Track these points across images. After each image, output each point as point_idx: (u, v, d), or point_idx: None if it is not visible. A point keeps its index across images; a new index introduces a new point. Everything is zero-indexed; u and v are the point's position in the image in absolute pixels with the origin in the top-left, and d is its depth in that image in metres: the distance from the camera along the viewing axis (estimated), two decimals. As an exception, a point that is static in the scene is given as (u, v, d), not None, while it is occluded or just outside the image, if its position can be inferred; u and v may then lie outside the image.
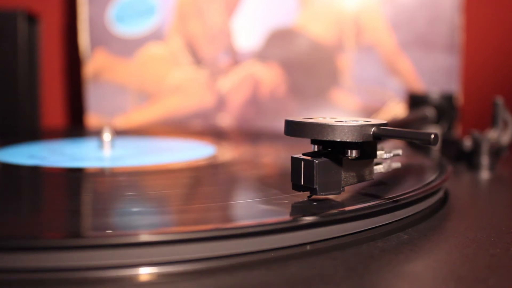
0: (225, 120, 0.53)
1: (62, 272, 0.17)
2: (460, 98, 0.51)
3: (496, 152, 0.37)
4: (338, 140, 0.21)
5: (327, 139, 0.21)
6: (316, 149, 0.23)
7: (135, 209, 0.22)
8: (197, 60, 0.54)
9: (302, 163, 0.22)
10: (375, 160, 0.23)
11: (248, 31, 0.53)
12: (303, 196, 0.23)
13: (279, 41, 0.53)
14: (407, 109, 0.48)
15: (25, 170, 0.31)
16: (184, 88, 0.54)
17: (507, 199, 0.31)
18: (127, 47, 0.54)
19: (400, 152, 0.24)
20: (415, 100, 0.46)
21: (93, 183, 0.29)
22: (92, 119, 0.54)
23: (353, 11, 0.52)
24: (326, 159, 0.22)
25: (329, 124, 0.21)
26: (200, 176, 0.31)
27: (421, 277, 0.18)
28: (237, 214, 0.22)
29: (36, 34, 0.52)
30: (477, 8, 0.56)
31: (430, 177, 0.28)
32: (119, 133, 0.42)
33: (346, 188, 0.23)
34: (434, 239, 0.22)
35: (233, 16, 0.53)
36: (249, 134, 0.50)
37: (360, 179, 0.23)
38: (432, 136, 0.20)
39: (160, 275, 0.18)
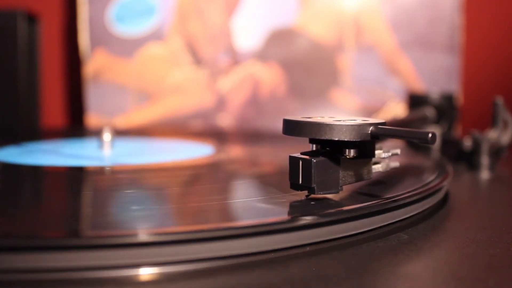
0: (225, 120, 0.53)
1: (61, 272, 0.17)
2: (460, 98, 0.51)
3: (496, 152, 0.37)
4: (336, 139, 0.21)
5: (325, 138, 0.21)
6: (314, 148, 0.23)
7: (134, 208, 0.22)
8: (197, 60, 0.54)
9: (300, 162, 0.22)
10: (374, 160, 0.23)
11: (248, 31, 0.53)
12: (302, 195, 0.23)
13: (279, 41, 0.53)
14: (407, 109, 0.48)
15: (25, 169, 0.31)
16: (184, 88, 0.54)
17: (507, 199, 0.31)
18: (127, 47, 0.54)
19: (398, 151, 0.24)
20: (415, 100, 0.46)
21: (93, 181, 0.29)
22: (92, 119, 0.54)
23: (353, 11, 0.52)
24: (324, 158, 0.22)
25: (327, 123, 0.21)
26: (200, 176, 0.31)
27: (421, 277, 0.18)
28: (236, 214, 0.22)
29: (36, 34, 0.52)
30: (477, 8, 0.56)
31: (430, 177, 0.28)
32: (119, 133, 0.42)
33: (344, 187, 0.23)
34: (434, 239, 0.22)
35: (233, 16, 0.53)
36: (249, 134, 0.50)
37: (359, 178, 0.23)
38: (430, 135, 0.20)
39: (160, 275, 0.18)
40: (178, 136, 0.47)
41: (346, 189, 0.23)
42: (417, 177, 0.30)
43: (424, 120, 0.41)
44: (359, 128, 0.21)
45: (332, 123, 0.21)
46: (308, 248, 0.20)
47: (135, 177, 0.30)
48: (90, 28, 0.54)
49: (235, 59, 0.53)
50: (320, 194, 0.22)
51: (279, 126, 0.23)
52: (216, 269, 0.18)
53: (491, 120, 0.38)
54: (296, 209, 0.22)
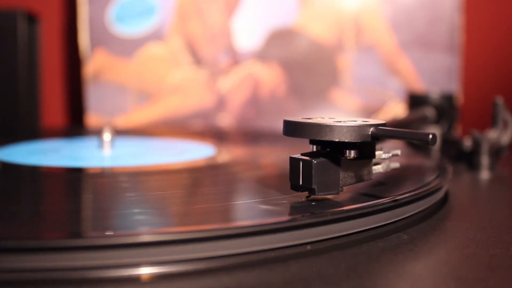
0: (225, 120, 0.53)
1: (62, 273, 0.17)
2: (460, 98, 0.51)
3: (496, 152, 0.37)
4: (337, 140, 0.21)
5: (326, 140, 0.21)
6: (314, 149, 0.23)
7: (135, 210, 0.22)
8: (197, 60, 0.54)
9: (301, 163, 0.22)
10: (374, 160, 0.23)
11: (248, 31, 0.53)
12: (302, 196, 0.23)
13: (279, 41, 0.53)
14: (407, 109, 0.48)
15: (25, 169, 0.31)
16: (184, 88, 0.54)
17: (507, 199, 0.31)
18: (127, 47, 0.54)
19: (399, 152, 0.24)
20: (415, 100, 0.46)
21: (93, 183, 0.29)
22: (92, 119, 0.54)
23: (353, 11, 0.52)
24: (325, 159, 0.22)
25: (327, 124, 0.21)
26: (200, 177, 0.31)
27: (421, 277, 0.18)
28: (237, 215, 0.22)
29: (36, 34, 0.52)
30: (477, 8, 0.56)
31: (430, 177, 0.28)
32: (119, 133, 0.42)
33: (345, 188, 0.23)
34: (434, 239, 0.22)
35: (233, 16, 0.53)
36: (249, 134, 0.50)
37: (359, 179, 0.23)
38: (430, 136, 0.20)
39: (160, 275, 0.18)
40: (178, 136, 0.47)
41: (347, 190, 0.23)
42: (417, 177, 0.30)
43: (424, 120, 0.41)
44: (360, 129, 0.21)
45: (332, 124, 0.21)
46: (309, 247, 0.20)
47: (136, 178, 0.30)
48: (90, 28, 0.54)
49: (235, 59, 0.53)
50: (320, 195, 0.22)
51: (279, 126, 0.24)
52: (216, 269, 0.18)
53: (491, 120, 0.38)
54: (296, 210, 0.22)
